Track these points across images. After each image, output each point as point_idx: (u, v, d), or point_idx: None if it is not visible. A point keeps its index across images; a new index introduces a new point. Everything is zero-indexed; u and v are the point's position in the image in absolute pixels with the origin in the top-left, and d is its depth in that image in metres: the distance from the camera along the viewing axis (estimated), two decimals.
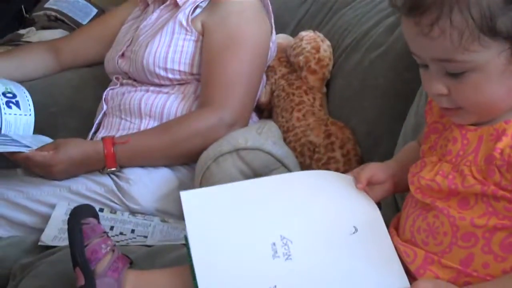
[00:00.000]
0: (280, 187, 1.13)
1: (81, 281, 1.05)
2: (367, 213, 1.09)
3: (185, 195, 1.10)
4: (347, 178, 1.14)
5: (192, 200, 1.11)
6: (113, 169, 1.52)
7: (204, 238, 1.06)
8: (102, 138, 1.54)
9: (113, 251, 1.10)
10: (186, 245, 1.09)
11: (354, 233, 1.07)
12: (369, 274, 1.02)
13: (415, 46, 0.97)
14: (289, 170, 1.44)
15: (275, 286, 1.00)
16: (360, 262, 1.03)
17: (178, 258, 1.24)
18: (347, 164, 1.49)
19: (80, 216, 1.11)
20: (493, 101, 0.96)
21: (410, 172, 1.07)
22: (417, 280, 0.98)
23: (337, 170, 1.47)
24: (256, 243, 1.06)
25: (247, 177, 1.42)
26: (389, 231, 1.08)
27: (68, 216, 1.13)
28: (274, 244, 1.05)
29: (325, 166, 1.48)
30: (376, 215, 1.09)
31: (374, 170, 1.11)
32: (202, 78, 1.60)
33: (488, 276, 0.96)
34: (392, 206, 1.31)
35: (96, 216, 1.14)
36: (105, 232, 1.12)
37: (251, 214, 1.10)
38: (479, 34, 0.91)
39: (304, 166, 1.50)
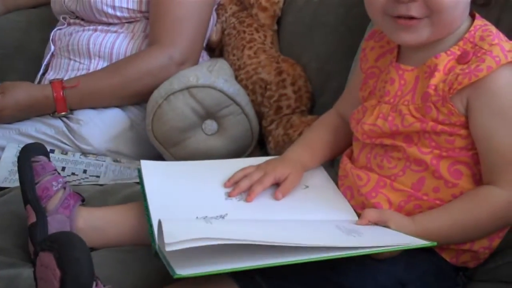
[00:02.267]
0: (238, 165, 1.14)
1: (32, 218, 1.05)
2: (317, 176, 1.15)
3: (144, 164, 1.13)
4: None
5: (151, 166, 1.14)
6: (63, 113, 1.50)
7: (159, 184, 1.09)
8: (51, 82, 1.51)
9: (64, 188, 1.09)
10: (140, 180, 1.09)
11: (305, 188, 1.12)
12: (319, 210, 1.06)
13: None
14: (240, 107, 1.44)
15: (226, 214, 1.02)
16: (311, 203, 1.08)
17: (131, 195, 1.24)
18: (299, 101, 1.49)
19: (30, 153, 1.09)
20: (457, 12, 0.97)
21: (354, 119, 1.09)
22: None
23: (288, 106, 1.48)
24: (210, 189, 1.09)
25: (198, 114, 1.42)
26: (342, 160, 1.11)
27: None
28: (227, 193, 1.08)
29: (277, 103, 1.49)
30: (324, 175, 1.16)
31: (274, 171, 1.09)
32: (150, 16, 1.57)
33: (437, 200, 0.99)
34: None
35: (46, 154, 1.12)
36: (55, 170, 1.11)
37: (208, 173, 1.14)
38: None
39: (255, 104, 1.50)
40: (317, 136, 1.18)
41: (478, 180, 1.00)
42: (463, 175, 0.99)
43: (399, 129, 1.00)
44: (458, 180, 0.99)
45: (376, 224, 0.96)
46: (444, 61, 0.99)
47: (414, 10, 0.96)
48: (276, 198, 1.06)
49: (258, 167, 1.10)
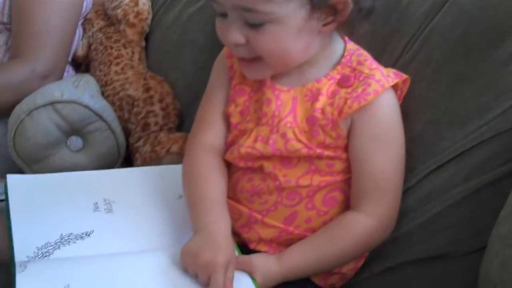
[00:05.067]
0: (107, 177, 1.14)
1: None
2: None
3: (10, 178, 1.10)
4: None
5: (17, 183, 1.10)
6: None
7: (25, 200, 1.06)
8: None
9: None
10: (6, 196, 1.06)
11: (179, 198, 1.09)
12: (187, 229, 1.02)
13: None
14: (107, 123, 1.41)
15: (93, 231, 1.00)
16: (182, 219, 1.05)
17: None
18: (166, 118, 1.48)
19: None
20: (290, 55, 0.97)
21: (228, 143, 1.05)
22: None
23: (156, 123, 1.47)
24: (78, 201, 1.07)
25: (63, 131, 1.38)
26: None
27: None
28: (96, 203, 1.07)
29: (144, 120, 1.47)
30: None
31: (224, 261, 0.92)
32: (12, 28, 1.52)
33: (309, 230, 1.00)
34: None
35: None
36: None
37: (77, 185, 1.13)
38: None
39: (122, 120, 1.48)
40: (216, 190, 1.03)
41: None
42: (337, 202, 1.01)
43: (282, 153, 0.99)
44: (331, 208, 1.00)
45: (244, 270, 0.94)
46: (326, 85, 1.00)
47: (243, 53, 0.98)
48: None
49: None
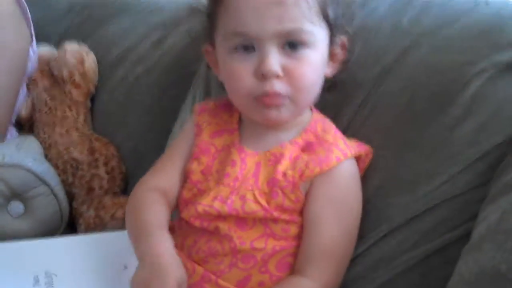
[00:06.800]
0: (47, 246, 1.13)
1: None
2: None
3: None
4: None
5: None
6: None
7: None
8: None
9: None
10: None
11: (124, 269, 1.07)
12: None
13: (258, 18, 0.95)
14: (50, 187, 1.37)
15: None
16: None
17: None
18: (111, 181, 1.45)
19: None
20: (316, 89, 1.01)
21: (183, 198, 1.05)
22: None
23: (100, 187, 1.44)
24: (16, 275, 1.05)
25: (3, 195, 1.33)
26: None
27: None
28: (37, 276, 1.04)
29: (89, 184, 1.44)
30: None
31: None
32: None
33: None
34: None
35: None
36: None
37: (16, 256, 1.10)
38: (319, 11, 0.97)
39: (66, 184, 1.45)
40: (156, 217, 1.03)
41: None
42: (291, 266, 0.99)
43: (239, 214, 0.98)
44: (284, 273, 0.99)
45: None
46: (289, 150, 1.00)
47: (279, 87, 0.96)
48: None
49: None
